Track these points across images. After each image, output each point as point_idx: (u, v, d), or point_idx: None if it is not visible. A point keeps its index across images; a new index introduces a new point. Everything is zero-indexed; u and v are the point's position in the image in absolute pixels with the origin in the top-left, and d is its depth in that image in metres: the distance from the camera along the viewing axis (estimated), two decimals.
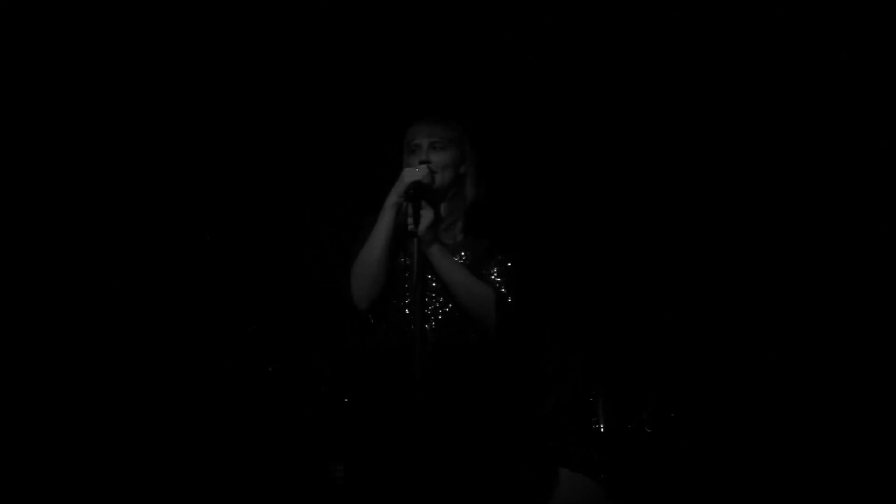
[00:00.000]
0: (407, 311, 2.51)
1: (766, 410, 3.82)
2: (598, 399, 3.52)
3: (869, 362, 3.75)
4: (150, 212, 3.87)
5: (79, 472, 3.51)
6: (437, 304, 2.53)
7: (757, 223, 4.00)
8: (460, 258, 2.55)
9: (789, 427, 3.78)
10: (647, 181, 4.09)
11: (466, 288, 2.49)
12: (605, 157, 4.09)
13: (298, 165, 4.01)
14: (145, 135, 3.86)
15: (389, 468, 2.43)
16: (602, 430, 3.49)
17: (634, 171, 4.09)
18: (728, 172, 4.02)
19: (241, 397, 3.63)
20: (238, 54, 3.90)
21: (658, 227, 4.07)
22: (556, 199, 4.05)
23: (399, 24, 3.89)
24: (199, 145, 3.92)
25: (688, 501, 3.50)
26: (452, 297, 2.50)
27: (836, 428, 3.71)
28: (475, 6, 3.81)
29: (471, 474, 2.49)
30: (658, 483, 3.48)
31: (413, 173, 2.46)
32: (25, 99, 3.66)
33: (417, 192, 2.42)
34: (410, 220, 2.41)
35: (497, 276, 2.54)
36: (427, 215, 2.42)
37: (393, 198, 2.47)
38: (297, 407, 3.53)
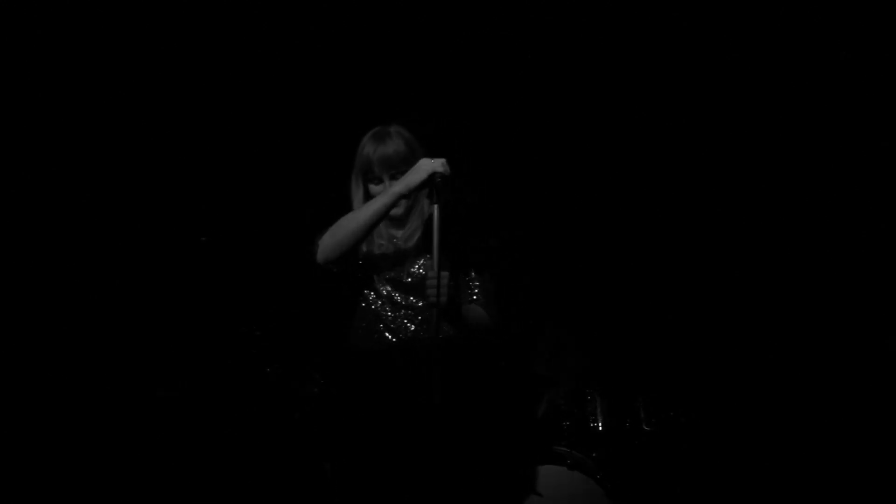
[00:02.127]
0: (390, 312, 2.56)
1: (765, 410, 3.82)
2: (596, 398, 3.52)
3: (868, 362, 3.75)
4: (150, 212, 3.87)
5: (77, 472, 3.51)
6: (414, 303, 2.58)
7: (754, 223, 4.00)
8: (419, 266, 2.58)
9: (787, 427, 3.77)
10: (644, 180, 4.09)
11: (480, 323, 2.56)
12: (602, 156, 4.10)
13: (298, 166, 4.01)
14: (146, 136, 3.87)
15: (378, 465, 2.46)
16: (600, 429, 3.49)
17: (634, 171, 4.10)
18: (726, 171, 4.03)
19: (239, 398, 3.63)
20: (239, 56, 3.91)
21: (655, 227, 4.08)
22: (551, 199, 4.06)
23: (398, 25, 3.91)
24: (199, 146, 3.93)
25: (685, 500, 3.50)
26: (467, 328, 2.53)
27: (835, 427, 3.71)
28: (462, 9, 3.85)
29: (463, 472, 2.50)
30: (655, 482, 3.48)
31: (432, 164, 2.40)
32: (25, 99, 3.67)
33: (443, 181, 2.38)
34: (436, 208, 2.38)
35: (478, 293, 2.59)
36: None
37: (400, 187, 2.41)
38: (294, 407, 3.53)
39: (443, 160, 2.40)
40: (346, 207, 2.63)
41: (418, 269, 2.59)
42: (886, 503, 3.55)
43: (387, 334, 2.56)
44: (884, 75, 3.80)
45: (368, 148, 2.55)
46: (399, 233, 2.62)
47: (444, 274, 2.36)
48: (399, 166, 2.52)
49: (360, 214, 2.43)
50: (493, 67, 3.98)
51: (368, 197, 2.57)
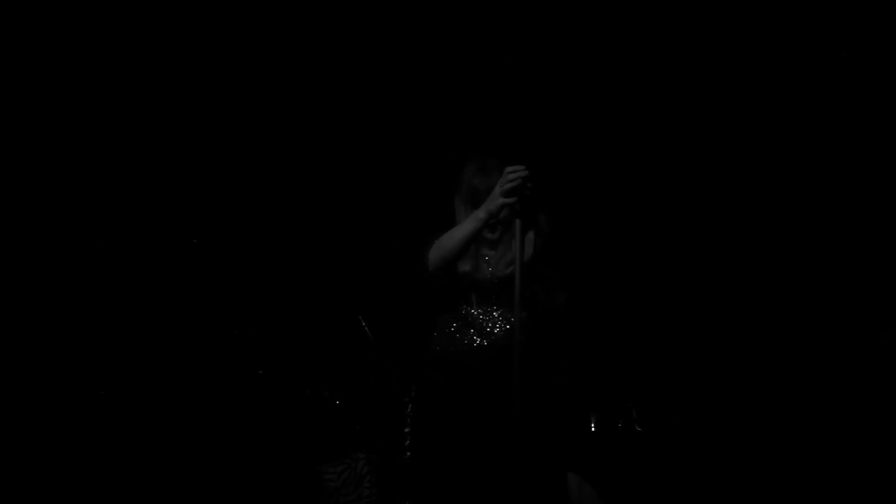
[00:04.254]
0: (481, 316, 2.77)
1: (761, 408, 3.82)
2: (589, 399, 3.53)
3: (865, 358, 3.75)
4: (158, 215, 3.91)
5: (75, 472, 3.53)
6: (500, 314, 2.77)
7: (749, 221, 4.00)
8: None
9: (784, 425, 3.77)
10: (640, 180, 4.10)
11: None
12: (585, 157, 4.11)
13: (300, 167, 4.04)
14: (144, 138, 3.91)
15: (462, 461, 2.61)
16: (593, 429, 3.50)
17: (630, 171, 4.10)
18: (721, 172, 4.03)
19: (239, 399, 3.65)
20: (248, 58, 3.94)
21: (649, 229, 4.08)
22: (548, 198, 4.07)
23: (406, 30, 3.93)
24: (202, 147, 3.96)
25: (678, 501, 3.51)
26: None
27: (833, 424, 3.71)
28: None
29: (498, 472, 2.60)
30: (648, 482, 3.49)
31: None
32: (21, 99, 3.70)
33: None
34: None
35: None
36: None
37: (501, 199, 2.58)
38: (293, 409, 3.56)
39: (524, 172, 2.60)
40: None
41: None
42: (886, 502, 3.54)
43: (482, 339, 2.76)
44: (884, 75, 3.80)
45: (476, 180, 2.79)
46: (491, 252, 2.82)
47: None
48: None
49: (465, 226, 2.64)
50: (492, 68, 3.99)
51: None
